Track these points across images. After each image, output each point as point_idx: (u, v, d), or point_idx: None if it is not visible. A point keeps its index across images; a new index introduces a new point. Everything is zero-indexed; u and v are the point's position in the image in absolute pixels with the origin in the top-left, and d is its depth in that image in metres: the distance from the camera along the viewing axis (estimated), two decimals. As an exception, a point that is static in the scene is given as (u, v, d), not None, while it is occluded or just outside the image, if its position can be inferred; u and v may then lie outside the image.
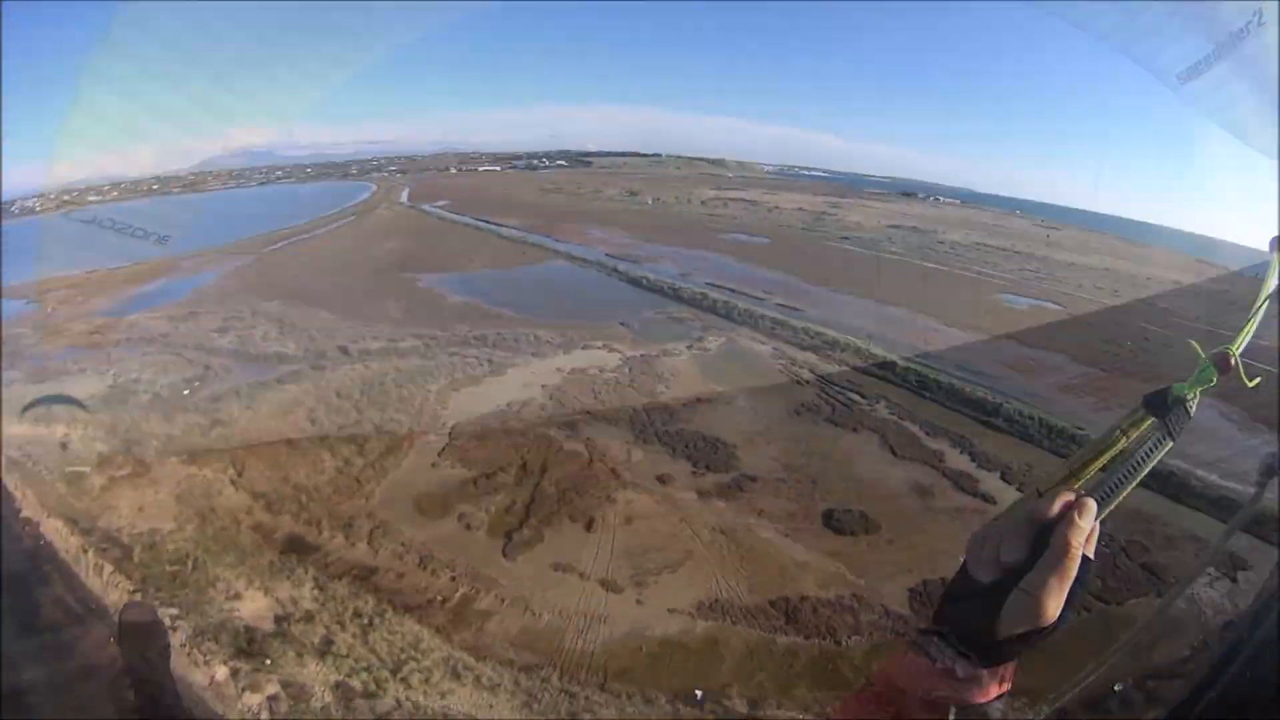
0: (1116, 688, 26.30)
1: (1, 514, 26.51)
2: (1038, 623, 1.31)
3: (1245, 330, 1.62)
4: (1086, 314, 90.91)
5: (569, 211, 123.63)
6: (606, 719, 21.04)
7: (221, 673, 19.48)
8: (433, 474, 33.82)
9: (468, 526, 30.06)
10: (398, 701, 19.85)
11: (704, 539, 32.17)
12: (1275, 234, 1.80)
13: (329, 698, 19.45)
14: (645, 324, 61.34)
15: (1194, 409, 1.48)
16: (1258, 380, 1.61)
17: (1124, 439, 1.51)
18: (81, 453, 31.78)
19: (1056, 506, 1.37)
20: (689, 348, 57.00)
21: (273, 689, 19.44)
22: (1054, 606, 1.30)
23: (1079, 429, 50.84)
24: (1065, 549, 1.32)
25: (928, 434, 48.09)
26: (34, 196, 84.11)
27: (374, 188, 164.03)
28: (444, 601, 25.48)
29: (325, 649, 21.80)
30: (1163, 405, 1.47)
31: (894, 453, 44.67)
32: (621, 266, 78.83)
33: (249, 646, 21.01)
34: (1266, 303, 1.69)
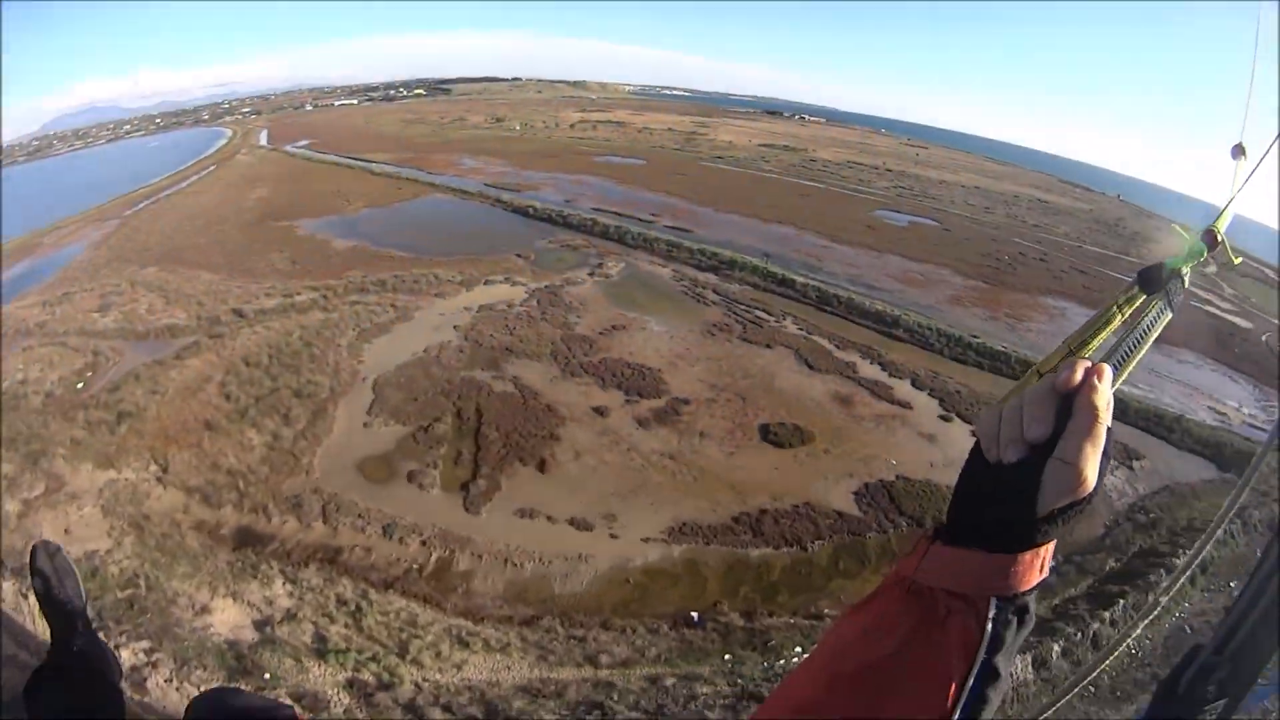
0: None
1: None
2: (1079, 492, 1.28)
3: (1227, 209, 1.67)
4: (962, 229, 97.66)
5: (437, 142, 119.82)
6: (623, 655, 21.26)
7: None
8: (368, 435, 32.04)
9: (420, 486, 28.82)
10: (417, 686, 19.00)
11: (655, 465, 32.75)
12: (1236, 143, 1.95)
13: (346, 698, 18.23)
14: (541, 254, 60.46)
15: (1187, 281, 1.55)
16: (1240, 259, 1.73)
17: (1120, 314, 1.57)
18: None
19: (1078, 374, 1.31)
20: (590, 275, 56.80)
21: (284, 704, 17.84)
22: (1093, 473, 1.27)
23: (974, 337, 55.10)
24: (1095, 413, 1.28)
25: (838, 347, 50.73)
26: None
27: (229, 133, 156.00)
28: (421, 569, 24.53)
29: (321, 647, 20.33)
30: (1158, 279, 1.52)
31: (810, 366, 46.91)
32: (504, 196, 76.39)
33: (239, 663, 18.99)
34: (1244, 186, 1.73)
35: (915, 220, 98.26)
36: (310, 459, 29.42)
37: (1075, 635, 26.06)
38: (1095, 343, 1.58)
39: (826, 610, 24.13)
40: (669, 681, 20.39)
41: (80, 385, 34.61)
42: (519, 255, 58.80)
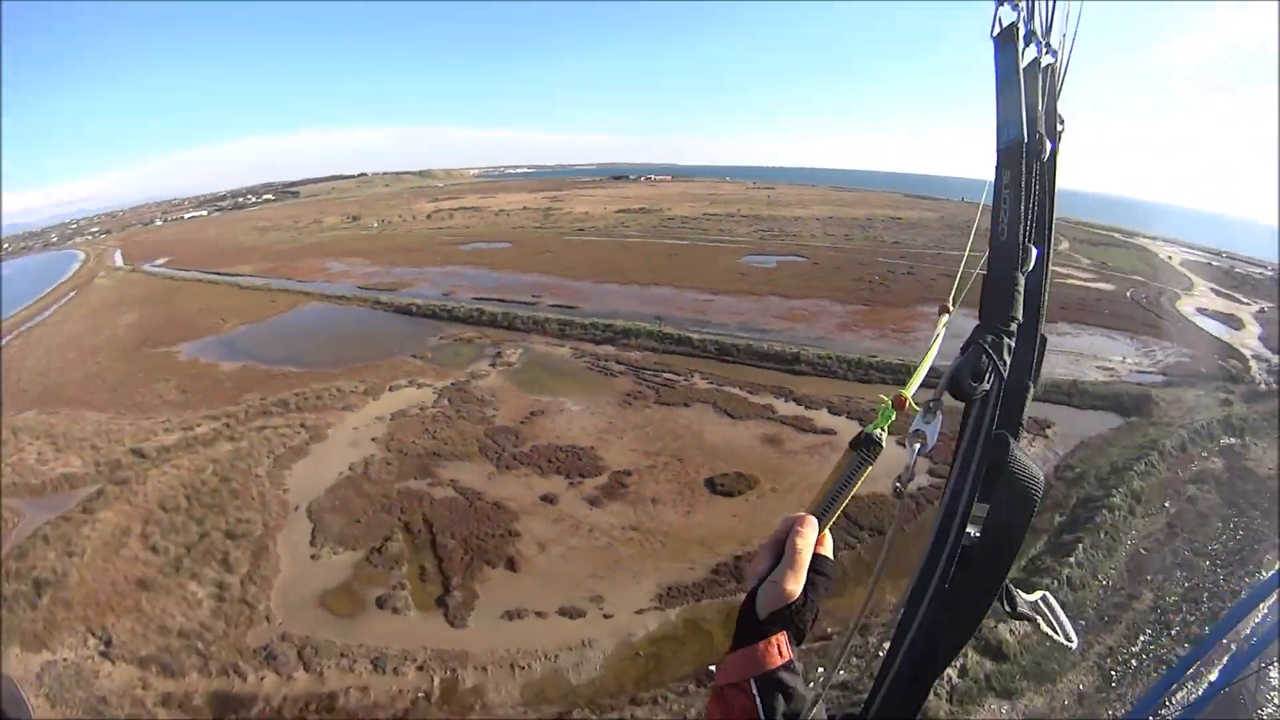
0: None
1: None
2: (783, 600, 1.92)
3: (916, 374, 2.11)
4: (829, 260, 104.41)
5: (298, 248, 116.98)
6: (665, 720, 21.60)
7: None
8: (319, 567, 30.61)
9: (394, 610, 27.76)
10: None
11: (620, 540, 33.24)
12: (943, 301, 2.70)
13: None
14: (437, 351, 60.28)
15: (884, 439, 2.03)
16: (930, 414, 2.13)
17: (840, 469, 2.05)
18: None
19: (782, 527, 2.03)
20: (493, 365, 56.91)
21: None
22: (793, 588, 1.92)
23: (871, 357, 59.53)
24: (793, 549, 1.96)
25: (750, 393, 53.48)
26: None
27: (82, 254, 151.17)
28: (428, 696, 23.61)
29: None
30: (859, 441, 2.03)
31: (731, 415, 49.20)
32: (382, 297, 75.81)
33: None
34: (935, 347, 2.29)
35: (783, 260, 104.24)
36: (266, 604, 27.83)
37: (1055, 585, 29.51)
38: (824, 491, 2.09)
39: (829, 629, 25.89)
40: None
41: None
42: (415, 356, 58.39)
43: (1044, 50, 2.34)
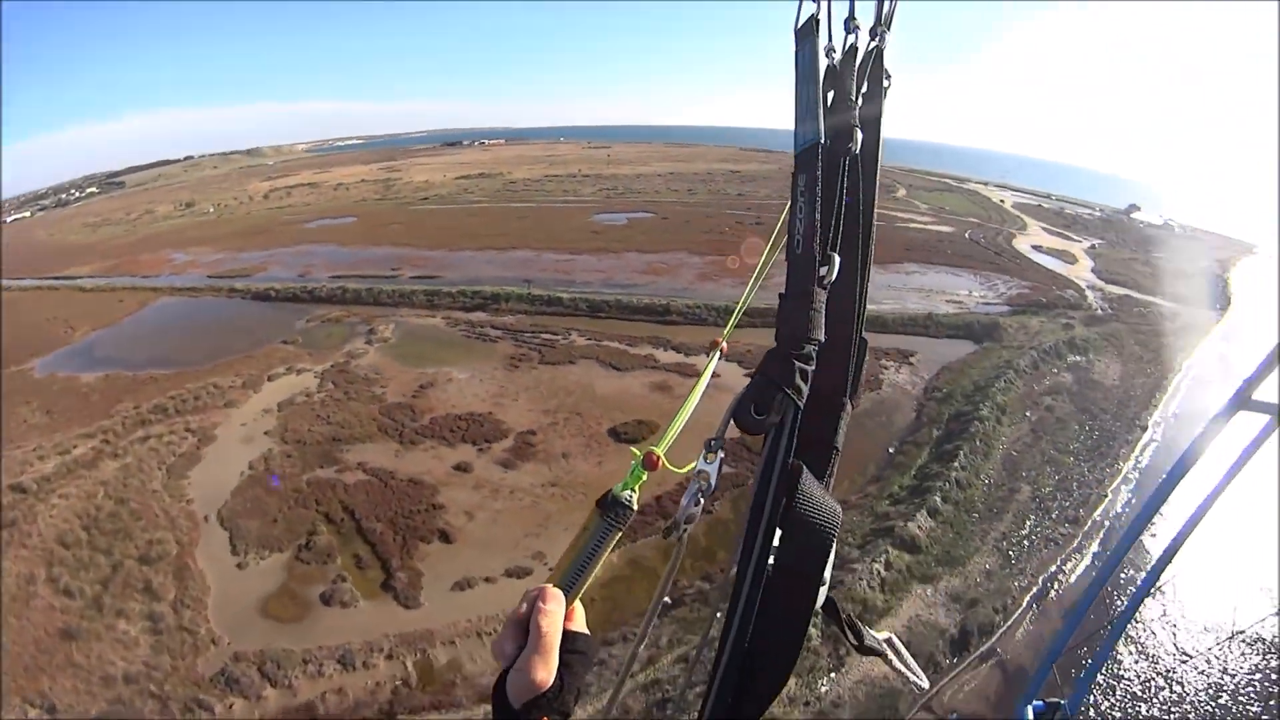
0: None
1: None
2: (533, 691, 1.67)
3: (673, 426, 1.92)
4: (677, 215, 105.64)
5: (135, 241, 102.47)
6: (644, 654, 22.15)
7: None
8: (250, 575, 28.23)
9: (343, 604, 26.38)
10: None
11: (544, 496, 33.49)
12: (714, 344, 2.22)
13: None
14: (307, 335, 56.83)
15: (634, 502, 1.82)
16: (691, 465, 1.93)
17: (586, 533, 1.84)
18: None
19: (526, 604, 1.78)
20: (369, 343, 54.25)
21: None
22: (542, 675, 1.68)
23: (735, 303, 62.72)
24: (537, 630, 1.71)
25: (630, 345, 54.43)
26: None
27: None
28: (406, 682, 22.86)
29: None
30: (606, 503, 1.82)
31: (616, 368, 50.20)
32: (237, 284, 69.85)
33: None
34: (694, 404, 2.04)
35: (633, 216, 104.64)
36: (207, 626, 25.34)
37: (946, 486, 33.40)
38: (569, 559, 1.87)
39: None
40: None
41: None
42: (286, 342, 54.79)
43: (857, 35, 2.17)
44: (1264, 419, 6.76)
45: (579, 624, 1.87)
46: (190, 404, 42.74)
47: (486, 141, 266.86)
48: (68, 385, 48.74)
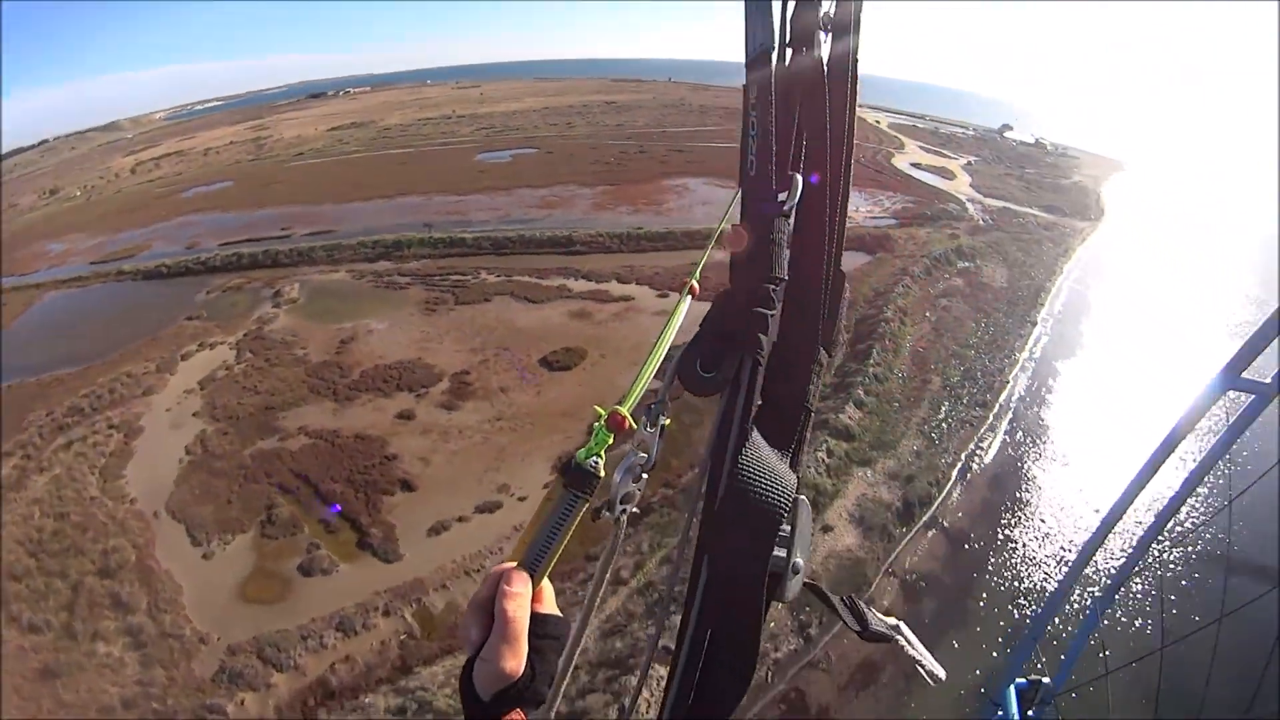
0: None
1: None
2: (503, 680, 1.44)
3: (635, 389, 1.60)
4: (560, 148, 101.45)
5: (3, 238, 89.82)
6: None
7: None
8: (218, 564, 25.44)
9: (323, 572, 24.37)
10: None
11: (493, 431, 32.27)
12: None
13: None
14: (211, 306, 51.23)
15: (600, 469, 1.52)
16: (665, 421, 1.61)
17: (549, 505, 1.53)
18: None
19: (489, 585, 1.50)
20: (277, 306, 49.94)
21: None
22: (511, 664, 1.44)
23: (637, 229, 61.27)
24: (503, 615, 1.45)
25: (540, 278, 52.86)
26: None
27: None
28: (411, 634, 21.61)
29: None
30: (570, 471, 1.52)
31: (532, 301, 48.74)
32: (125, 267, 62.19)
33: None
34: (661, 355, 1.65)
35: (516, 153, 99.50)
36: (191, 626, 22.57)
37: (866, 380, 34.85)
38: (532, 534, 1.55)
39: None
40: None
41: None
42: (191, 318, 49.30)
43: None
44: (1250, 397, 6.50)
45: (548, 605, 1.58)
46: (106, 399, 37.74)
47: (352, 90, 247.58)
48: (-33, 400, 41.24)
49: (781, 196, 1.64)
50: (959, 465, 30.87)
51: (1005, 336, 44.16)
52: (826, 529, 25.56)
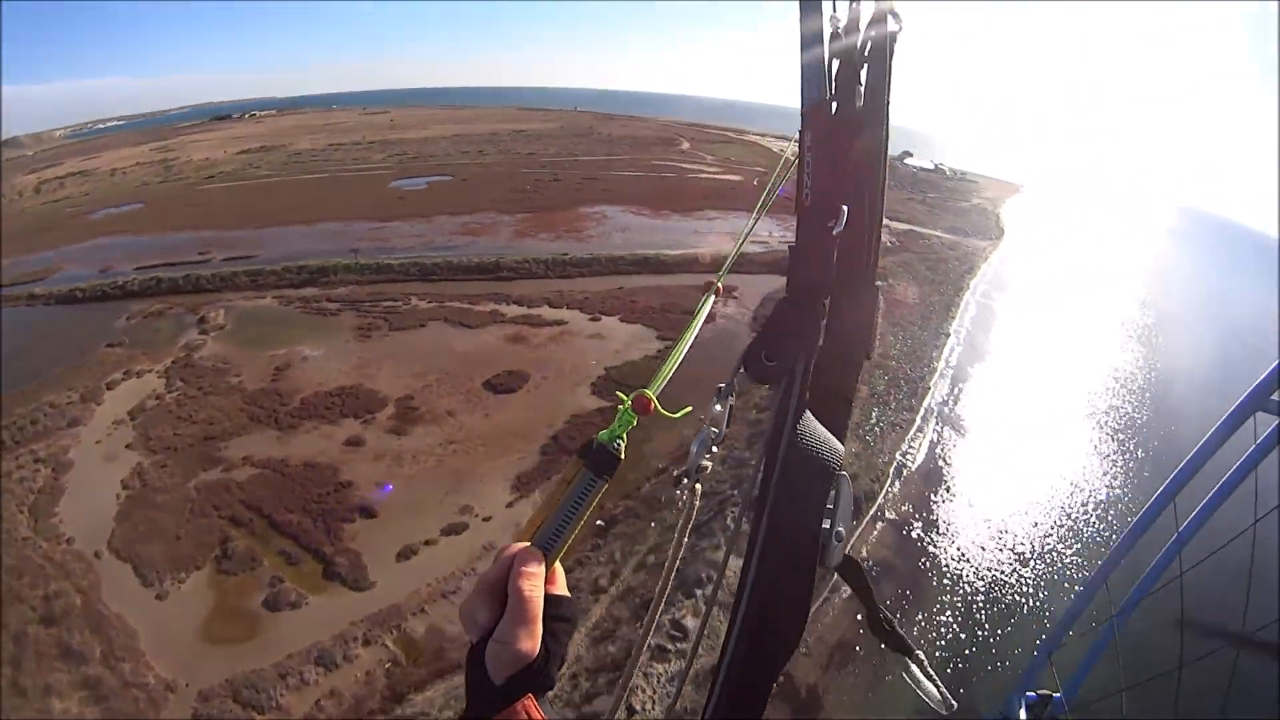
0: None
1: None
2: (519, 662, 1.34)
3: (663, 372, 1.59)
4: (476, 176, 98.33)
5: None
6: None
7: None
8: (174, 604, 22.55)
9: (291, 605, 22.15)
10: None
11: (446, 454, 30.89)
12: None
13: None
14: (133, 334, 46.13)
15: (621, 449, 1.48)
16: (686, 410, 1.62)
17: (567, 486, 1.49)
18: None
19: (500, 566, 1.42)
20: (204, 333, 45.83)
21: None
22: (528, 645, 1.35)
23: (562, 255, 60.61)
24: (519, 596, 1.36)
25: (472, 303, 51.23)
26: None
27: None
28: (395, 661, 20.02)
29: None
30: (590, 450, 1.47)
31: (467, 326, 47.30)
32: (36, 290, 55.13)
33: None
34: (688, 344, 1.72)
35: (432, 180, 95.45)
36: (154, 674, 19.77)
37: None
38: (551, 512, 1.51)
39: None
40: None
41: None
42: (112, 345, 44.06)
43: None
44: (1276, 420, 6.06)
45: (560, 587, 1.54)
46: (29, 431, 33.08)
47: (257, 113, 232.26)
48: None
49: (830, 223, 1.77)
50: (894, 463, 32.47)
51: (923, 348, 46.52)
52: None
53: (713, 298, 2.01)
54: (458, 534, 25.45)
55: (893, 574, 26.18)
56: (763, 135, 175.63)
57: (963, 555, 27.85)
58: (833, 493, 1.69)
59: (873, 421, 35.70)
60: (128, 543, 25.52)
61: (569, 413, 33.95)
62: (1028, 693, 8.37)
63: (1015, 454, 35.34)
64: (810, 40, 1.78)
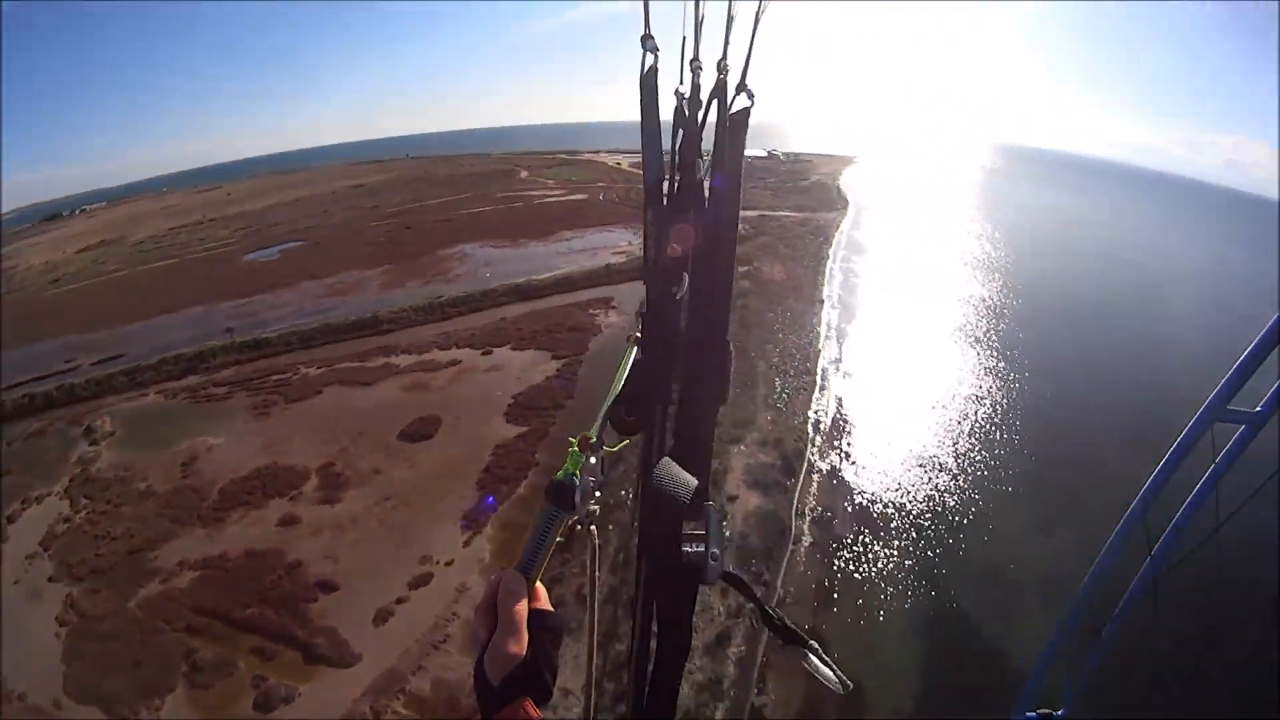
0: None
1: None
2: (510, 664, 1.48)
3: (598, 420, 1.69)
4: (327, 237, 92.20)
5: None
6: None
7: None
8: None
9: (284, 701, 20.82)
10: None
11: (386, 511, 30.13)
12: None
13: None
14: (20, 458, 40.09)
15: (580, 482, 1.57)
16: (623, 442, 1.73)
17: (536, 518, 1.62)
18: None
19: (489, 589, 1.58)
20: (94, 444, 40.60)
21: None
22: (514, 649, 1.49)
23: (437, 298, 58.70)
24: (505, 612, 1.52)
25: (362, 361, 48.73)
26: None
27: None
28: None
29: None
30: (552, 490, 1.59)
31: (364, 384, 44.58)
32: None
33: None
34: (617, 390, 1.74)
35: (284, 248, 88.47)
36: None
37: None
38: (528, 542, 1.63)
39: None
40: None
41: None
42: None
43: (699, 75, 1.94)
44: (1239, 428, 5.89)
45: (544, 602, 1.68)
46: None
47: (88, 207, 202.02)
48: None
49: (674, 289, 1.81)
50: (810, 421, 34.40)
51: (802, 317, 48.74)
52: (732, 498, 27.45)
53: (634, 349, 1.89)
54: (426, 584, 24.92)
55: (840, 518, 27.58)
56: (596, 153, 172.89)
57: (896, 484, 30.24)
58: (706, 521, 1.72)
59: (779, 390, 37.57)
60: (86, 684, 22.92)
61: (492, 444, 34.02)
62: (1028, 712, 8.02)
63: (907, 385, 38.37)
64: (650, 135, 1.80)
